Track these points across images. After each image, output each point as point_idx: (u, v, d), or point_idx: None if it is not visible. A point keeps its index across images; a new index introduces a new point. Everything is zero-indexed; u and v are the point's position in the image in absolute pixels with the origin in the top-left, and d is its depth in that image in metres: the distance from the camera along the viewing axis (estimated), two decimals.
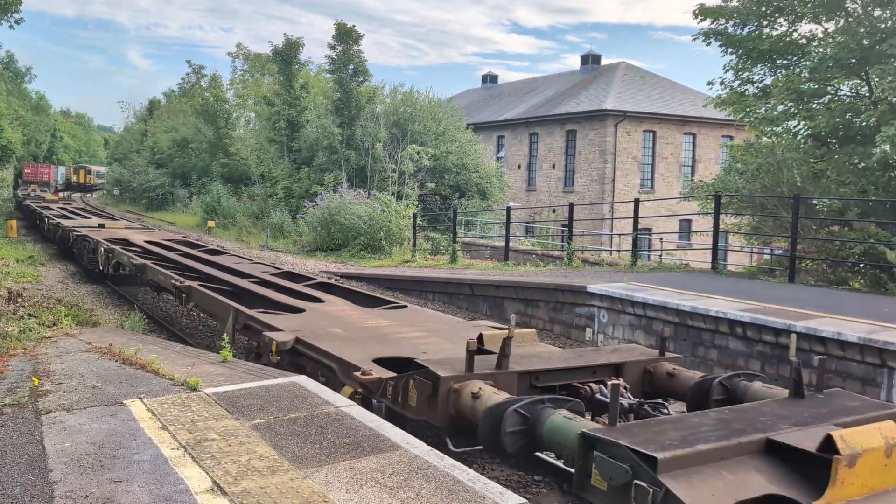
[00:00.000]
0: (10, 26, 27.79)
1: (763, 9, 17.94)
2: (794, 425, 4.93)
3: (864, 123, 16.58)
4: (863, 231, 15.00)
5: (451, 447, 5.64)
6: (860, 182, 15.89)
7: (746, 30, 18.53)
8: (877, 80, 16.09)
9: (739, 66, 18.92)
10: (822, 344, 9.16)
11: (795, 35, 18.18)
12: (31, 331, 9.88)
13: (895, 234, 14.89)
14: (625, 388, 6.30)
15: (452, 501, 4.07)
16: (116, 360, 7.49)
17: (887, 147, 14.58)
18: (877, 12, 16.62)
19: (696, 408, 6.15)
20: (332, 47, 32.97)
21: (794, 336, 5.79)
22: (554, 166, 40.74)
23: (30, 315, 11.81)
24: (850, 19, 16.97)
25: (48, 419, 5.43)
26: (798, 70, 18.25)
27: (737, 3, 18.40)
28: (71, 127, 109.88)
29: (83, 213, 31.72)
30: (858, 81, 17.69)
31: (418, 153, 29.20)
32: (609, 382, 6.13)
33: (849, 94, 18.10)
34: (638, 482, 4.16)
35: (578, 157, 38.98)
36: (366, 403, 6.27)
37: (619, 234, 28.14)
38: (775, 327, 9.68)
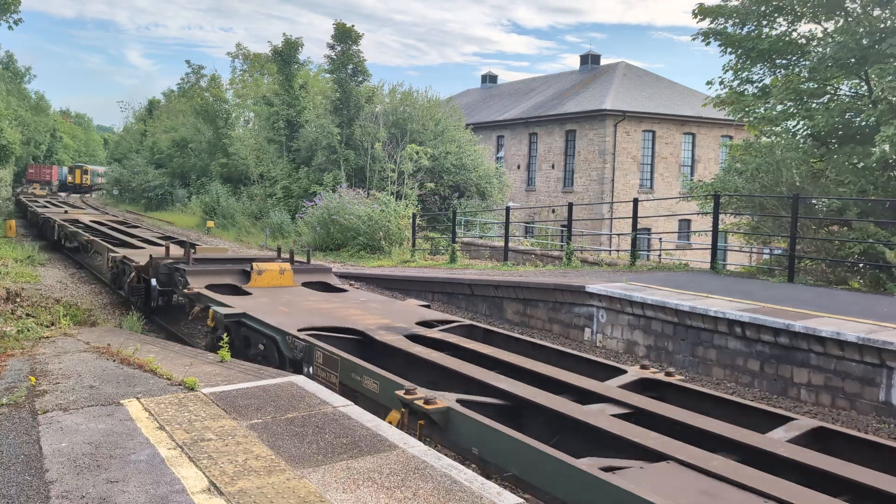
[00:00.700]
0: (10, 27, 27.83)
1: (762, 8, 17.93)
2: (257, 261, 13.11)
3: (864, 123, 16.58)
4: (862, 231, 14.99)
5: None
6: (859, 182, 15.88)
7: (746, 29, 18.52)
8: (876, 79, 16.08)
9: (739, 66, 18.92)
10: (821, 344, 9.15)
11: (795, 35, 18.18)
12: (29, 330, 9.87)
13: (894, 234, 14.89)
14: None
15: (449, 501, 4.06)
16: (114, 360, 7.48)
17: (887, 147, 14.58)
18: (876, 12, 16.61)
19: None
20: (332, 47, 32.97)
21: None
22: (553, 166, 40.74)
23: (28, 315, 11.81)
24: (850, 19, 16.96)
25: (45, 419, 5.42)
26: (797, 70, 18.25)
27: (736, 3, 18.40)
28: (70, 127, 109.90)
29: (57, 204, 40.33)
30: (858, 81, 17.69)
31: (417, 153, 29.18)
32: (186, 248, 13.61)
33: (848, 93, 18.09)
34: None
35: (578, 157, 38.98)
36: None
37: (619, 234, 28.14)
38: (774, 327, 9.66)
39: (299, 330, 8.26)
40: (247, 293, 11.29)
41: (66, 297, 15.06)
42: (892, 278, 13.90)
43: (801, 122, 18.04)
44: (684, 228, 35.67)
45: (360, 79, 33.22)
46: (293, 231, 29.22)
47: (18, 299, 13.27)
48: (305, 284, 12.58)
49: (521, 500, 4.16)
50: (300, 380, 6.64)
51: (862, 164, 15.89)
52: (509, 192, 36.68)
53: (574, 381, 6.64)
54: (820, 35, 17.89)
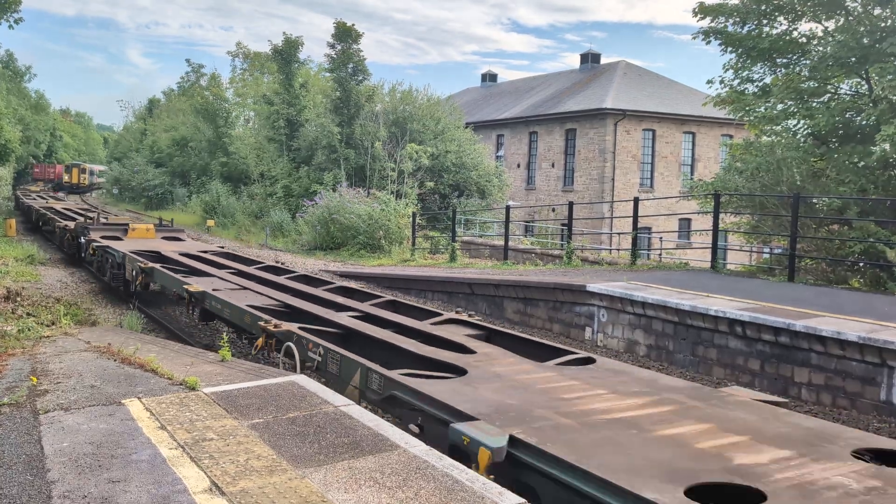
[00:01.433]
0: (10, 26, 27.80)
1: (763, 7, 17.91)
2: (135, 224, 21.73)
3: (864, 122, 16.57)
4: (863, 230, 14.98)
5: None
6: (860, 181, 15.87)
7: (746, 28, 18.50)
8: (877, 78, 16.07)
9: (739, 65, 18.89)
10: (822, 343, 9.15)
11: (795, 34, 18.16)
12: (29, 330, 9.88)
13: (895, 233, 14.88)
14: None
15: (451, 501, 4.06)
16: (115, 360, 7.48)
17: (887, 146, 14.57)
18: (877, 11, 16.60)
19: None
20: (332, 46, 32.98)
21: None
22: (553, 165, 40.73)
23: (29, 314, 11.82)
24: (850, 18, 16.95)
25: (46, 419, 5.42)
26: (798, 69, 18.23)
27: (737, 2, 18.38)
28: (70, 126, 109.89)
29: (44, 197, 47.72)
30: (858, 80, 17.67)
31: (417, 152, 29.18)
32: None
33: (849, 92, 18.08)
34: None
35: (578, 156, 38.97)
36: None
37: (619, 233, 28.13)
38: (775, 326, 9.66)
39: (130, 251, 15.29)
40: (120, 240, 18.27)
41: (66, 297, 15.06)
42: (893, 277, 13.90)
43: (802, 122, 18.02)
44: (685, 227, 35.66)
45: (361, 78, 33.22)
46: (293, 230, 29.22)
47: (19, 298, 13.28)
48: (163, 238, 19.41)
49: (523, 500, 4.16)
50: (301, 379, 6.64)
51: (862, 163, 15.88)
52: (509, 191, 36.68)
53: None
54: (820, 34, 17.88)
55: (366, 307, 9.64)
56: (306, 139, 33.87)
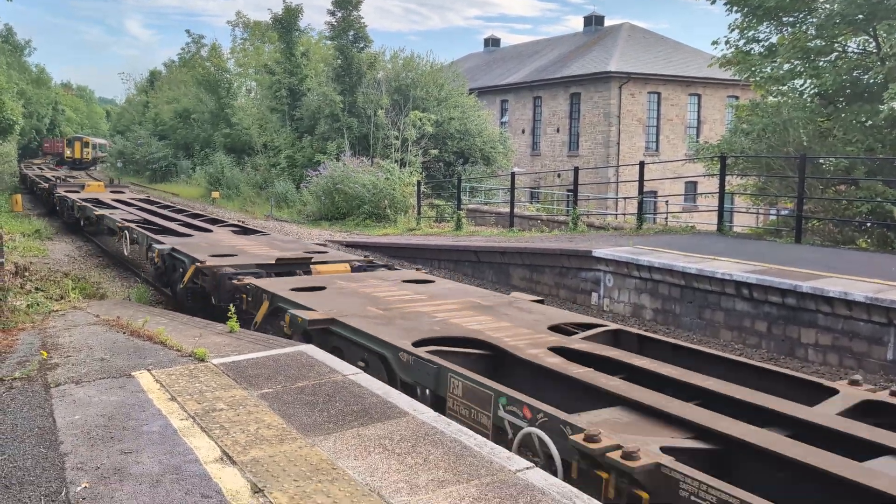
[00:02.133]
0: None
1: None
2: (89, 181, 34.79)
3: (872, 80, 16.37)
4: (870, 189, 14.89)
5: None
6: (867, 140, 15.73)
7: None
8: (885, 35, 15.85)
9: (745, 25, 18.65)
10: (829, 304, 9.15)
11: None
12: (39, 304, 9.93)
13: None
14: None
15: (460, 466, 4.10)
16: (124, 333, 7.53)
17: (895, 104, 14.42)
18: None
19: None
20: (332, 13, 32.61)
21: None
22: (558, 130, 40.46)
23: (37, 289, 11.86)
24: None
25: (57, 392, 5.47)
26: (804, 27, 17.99)
27: None
28: (72, 99, 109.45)
29: (41, 168, 54.28)
30: (866, 38, 17.44)
31: (421, 120, 28.99)
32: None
33: (856, 50, 17.85)
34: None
35: (583, 121, 38.69)
36: None
37: (625, 198, 28.01)
38: (782, 288, 9.66)
39: (79, 197, 21.77)
40: (78, 192, 25.14)
41: (74, 271, 15.13)
42: None
43: (809, 81, 17.83)
44: (690, 190, 35.48)
45: (362, 45, 32.90)
46: (298, 200, 29.18)
47: (27, 273, 13.33)
48: (111, 191, 26.72)
49: (530, 464, 4.20)
50: (310, 349, 6.68)
51: (870, 122, 15.74)
52: (514, 158, 36.47)
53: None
54: None
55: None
56: (309, 108, 33.66)
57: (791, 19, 18.29)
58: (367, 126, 31.26)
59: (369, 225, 23.47)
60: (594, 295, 12.87)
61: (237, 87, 48.68)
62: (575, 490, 3.87)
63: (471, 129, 31.62)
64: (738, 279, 10.25)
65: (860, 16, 16.20)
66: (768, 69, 18.41)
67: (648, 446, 4.34)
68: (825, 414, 5.01)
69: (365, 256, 12.11)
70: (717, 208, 16.25)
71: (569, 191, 23.53)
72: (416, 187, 24.06)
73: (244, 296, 9.13)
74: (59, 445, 4.45)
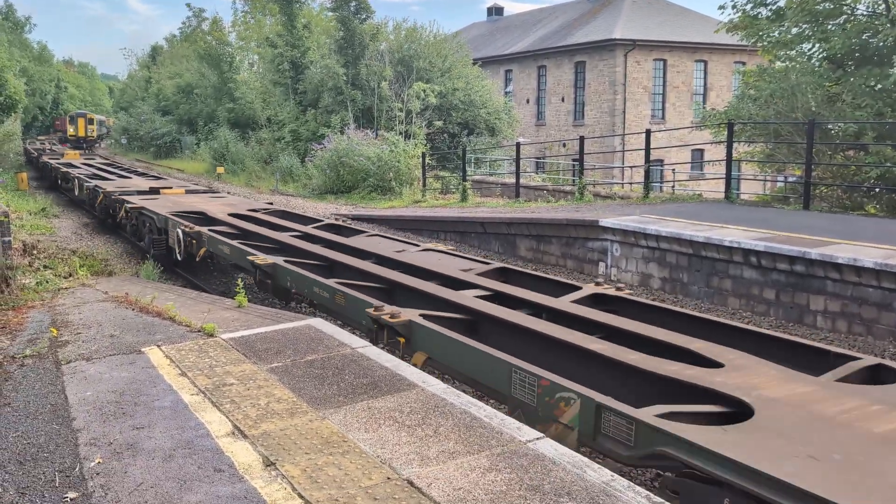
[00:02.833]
0: None
1: None
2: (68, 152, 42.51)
3: (881, 43, 16.13)
4: (879, 154, 14.75)
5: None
6: (877, 104, 15.55)
7: None
8: None
9: None
10: (838, 270, 9.11)
11: None
12: (48, 282, 9.97)
13: None
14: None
15: (470, 437, 4.12)
16: (133, 309, 7.55)
17: None
18: None
19: None
20: None
21: None
22: (563, 99, 40.15)
23: (45, 267, 11.90)
24: None
25: (69, 369, 5.51)
26: None
27: None
28: (75, 76, 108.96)
29: (43, 143, 58.10)
30: None
31: (425, 91, 28.77)
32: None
33: (865, 13, 17.57)
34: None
35: (588, 90, 38.36)
36: None
37: (631, 167, 27.87)
38: (790, 255, 9.61)
39: (60, 163, 28.33)
40: (61, 158, 31.85)
41: (81, 248, 15.16)
42: None
43: (817, 45, 17.59)
44: (697, 158, 35.26)
45: (364, 16, 32.55)
46: (303, 174, 29.10)
47: (35, 251, 13.37)
48: (83, 157, 34.98)
49: (541, 434, 4.21)
50: (318, 322, 6.69)
51: (879, 86, 15.55)
52: (519, 128, 36.23)
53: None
54: None
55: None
56: (312, 81, 33.42)
57: None
58: (370, 98, 31.07)
59: (375, 198, 23.42)
60: (601, 265, 12.85)
61: (239, 61, 48.30)
62: (585, 459, 3.88)
63: (475, 100, 31.39)
64: (746, 247, 10.20)
65: None
66: (776, 33, 18.16)
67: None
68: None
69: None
70: (724, 176, 16.14)
71: (574, 160, 23.39)
72: (420, 159, 23.95)
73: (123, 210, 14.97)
74: (71, 422, 4.49)
